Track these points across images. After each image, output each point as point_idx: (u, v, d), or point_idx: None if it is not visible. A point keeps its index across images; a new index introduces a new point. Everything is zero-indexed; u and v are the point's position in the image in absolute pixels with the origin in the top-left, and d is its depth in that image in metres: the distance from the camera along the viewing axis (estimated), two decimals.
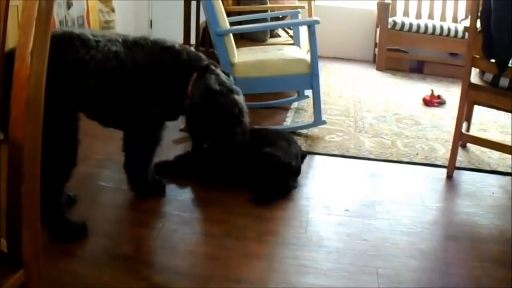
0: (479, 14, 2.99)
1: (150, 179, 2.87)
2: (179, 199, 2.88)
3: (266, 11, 5.02)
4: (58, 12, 4.34)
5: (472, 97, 3.22)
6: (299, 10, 4.79)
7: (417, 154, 3.67)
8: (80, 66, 2.37)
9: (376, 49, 6.53)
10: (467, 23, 3.15)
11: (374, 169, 3.43)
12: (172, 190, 2.97)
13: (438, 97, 5.00)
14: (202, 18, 5.30)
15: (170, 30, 5.16)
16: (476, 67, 3.16)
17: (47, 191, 2.31)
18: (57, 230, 2.41)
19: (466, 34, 3.21)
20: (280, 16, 5.28)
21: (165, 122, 2.76)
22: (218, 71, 2.77)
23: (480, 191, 3.18)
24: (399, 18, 6.26)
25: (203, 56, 2.83)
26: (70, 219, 2.47)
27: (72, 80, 2.35)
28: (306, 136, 3.90)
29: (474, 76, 3.23)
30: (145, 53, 2.59)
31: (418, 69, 6.41)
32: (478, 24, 3.02)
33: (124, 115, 2.64)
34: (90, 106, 2.56)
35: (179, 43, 2.77)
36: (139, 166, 2.81)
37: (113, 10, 5.25)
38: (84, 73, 2.39)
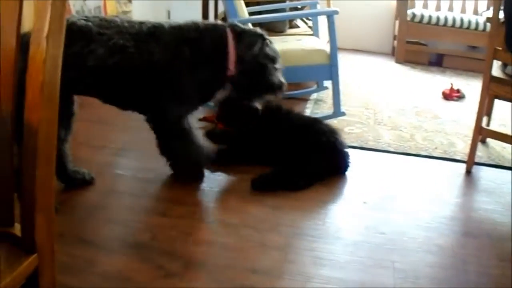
0: (501, 4, 2.94)
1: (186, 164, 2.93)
2: (196, 187, 2.86)
3: (284, 1, 4.99)
4: (75, 2, 4.34)
5: (493, 91, 3.17)
6: (318, 0, 4.76)
7: (435, 148, 3.63)
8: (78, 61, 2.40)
9: (395, 42, 6.47)
10: (489, 13, 3.10)
11: (392, 162, 3.41)
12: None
13: (458, 91, 4.94)
14: (221, 8, 5.29)
15: None
16: (498, 59, 3.10)
17: None
18: None
19: (487, 26, 3.18)
20: (299, 7, 5.25)
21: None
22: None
23: (500, 188, 3.13)
24: (418, 10, 6.19)
25: (216, 22, 2.90)
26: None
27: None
28: None
29: (496, 69, 3.17)
30: (162, 46, 2.58)
31: (437, 62, 6.33)
32: (501, 15, 2.97)
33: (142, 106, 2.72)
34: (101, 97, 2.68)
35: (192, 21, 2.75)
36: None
37: (130, 0, 5.24)
38: (82, 68, 2.42)
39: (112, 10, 5.00)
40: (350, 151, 3.30)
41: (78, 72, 2.41)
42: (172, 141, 2.77)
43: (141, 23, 2.61)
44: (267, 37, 2.87)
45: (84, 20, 2.46)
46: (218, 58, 2.72)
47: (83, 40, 2.40)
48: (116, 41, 2.46)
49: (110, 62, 2.45)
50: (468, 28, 5.95)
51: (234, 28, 2.79)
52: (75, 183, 2.75)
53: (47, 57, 1.06)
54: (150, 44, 2.54)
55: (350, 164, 3.17)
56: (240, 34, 2.77)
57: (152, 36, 2.56)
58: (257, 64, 2.80)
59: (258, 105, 3.10)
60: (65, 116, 2.58)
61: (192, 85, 2.67)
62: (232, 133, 3.26)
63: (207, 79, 2.72)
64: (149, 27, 2.59)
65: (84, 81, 2.47)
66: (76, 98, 2.66)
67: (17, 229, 1.23)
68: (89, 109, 3.85)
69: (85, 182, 2.79)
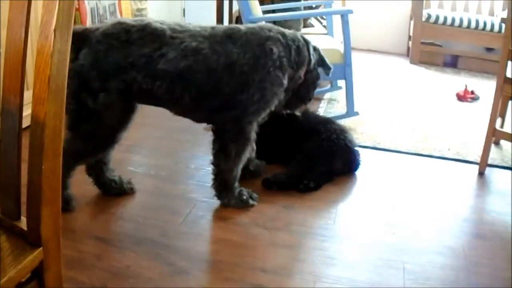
0: None
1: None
2: (207, 185, 2.86)
3: (299, 0, 4.98)
4: (89, 1, 4.36)
5: (507, 92, 3.14)
6: (333, 0, 4.75)
7: (448, 149, 3.60)
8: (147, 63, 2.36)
9: (410, 42, 6.45)
10: (504, 14, 3.07)
11: (405, 163, 3.39)
12: (201, 176, 2.96)
13: (472, 92, 4.92)
14: (235, 7, 5.29)
15: (203, 19, 5.14)
16: None
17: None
18: None
19: (503, 27, 3.13)
20: (314, 6, 5.24)
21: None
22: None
23: None
24: (433, 10, 6.16)
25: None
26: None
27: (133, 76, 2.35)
28: None
29: (511, 71, 3.14)
30: (240, 46, 2.48)
31: (452, 63, 6.30)
32: None
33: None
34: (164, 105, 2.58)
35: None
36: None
37: None
38: (150, 71, 2.37)
39: (126, 7, 5.01)
40: (363, 151, 3.30)
41: (144, 74, 2.35)
42: (230, 145, 2.58)
43: (214, 27, 2.54)
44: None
45: (160, 23, 2.43)
46: (300, 62, 2.66)
47: (156, 43, 2.36)
48: (188, 43, 2.39)
49: (181, 65, 2.38)
50: (483, 29, 5.91)
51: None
52: (110, 192, 2.72)
53: (55, 50, 1.06)
54: (227, 45, 2.46)
55: (360, 163, 3.16)
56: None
57: (229, 37, 2.48)
58: (316, 74, 2.84)
59: (298, 112, 3.15)
60: (124, 122, 2.52)
61: (276, 87, 2.55)
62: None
63: (288, 83, 2.63)
64: (225, 29, 2.52)
65: (153, 85, 2.38)
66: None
67: (23, 222, 1.22)
68: None
69: (122, 192, 2.74)
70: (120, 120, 2.42)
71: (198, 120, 2.72)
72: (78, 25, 2.42)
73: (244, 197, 2.68)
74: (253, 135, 2.63)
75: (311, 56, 2.71)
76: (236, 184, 2.69)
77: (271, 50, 2.50)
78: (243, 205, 2.67)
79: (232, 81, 2.46)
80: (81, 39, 2.34)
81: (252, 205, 2.68)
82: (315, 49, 2.78)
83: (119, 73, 2.31)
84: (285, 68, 2.56)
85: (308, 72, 2.74)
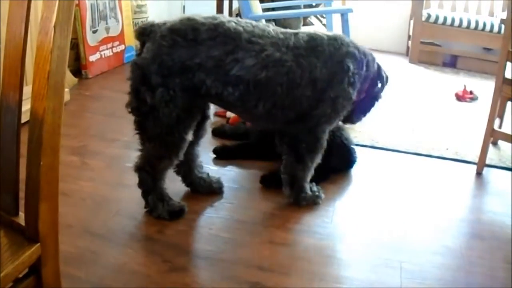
0: None
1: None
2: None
3: None
4: None
5: (506, 93, 3.14)
6: None
7: (447, 149, 3.60)
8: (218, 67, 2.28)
9: (409, 42, 6.45)
10: (503, 15, 3.07)
11: (403, 162, 3.39)
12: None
13: (471, 92, 4.92)
14: (235, 4, 5.28)
15: None
16: (511, 61, 3.08)
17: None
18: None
19: (502, 28, 3.13)
20: (314, 4, 5.24)
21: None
22: None
23: (510, 191, 3.11)
24: (433, 10, 6.16)
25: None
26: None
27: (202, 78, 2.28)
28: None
29: (509, 71, 3.14)
30: (322, 61, 2.43)
31: (451, 63, 6.30)
32: None
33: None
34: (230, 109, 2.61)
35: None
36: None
37: None
38: (221, 76, 2.29)
39: (127, 4, 5.01)
40: (361, 150, 3.30)
41: (214, 78, 2.28)
42: (306, 156, 2.61)
43: (296, 34, 2.46)
44: None
45: (235, 23, 2.31)
46: (367, 77, 2.68)
47: (228, 45, 2.26)
48: (270, 53, 2.31)
49: (261, 75, 2.30)
50: (483, 29, 5.91)
51: None
52: (198, 190, 2.73)
53: (54, 46, 1.06)
54: (311, 59, 2.39)
55: (357, 160, 3.17)
56: None
57: (313, 50, 2.42)
58: (378, 90, 2.90)
59: None
60: (200, 120, 2.48)
61: (346, 102, 2.56)
62: (244, 130, 3.30)
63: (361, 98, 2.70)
64: (308, 40, 2.44)
65: (223, 90, 2.31)
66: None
67: (21, 218, 1.23)
68: (102, 103, 3.87)
69: (212, 191, 2.75)
70: (178, 119, 2.29)
71: (265, 128, 2.75)
72: (147, 21, 2.39)
73: (316, 192, 2.75)
74: (325, 142, 2.63)
75: (376, 71, 2.74)
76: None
77: (348, 67, 2.47)
78: (317, 199, 2.75)
79: (312, 96, 2.44)
80: (146, 33, 2.29)
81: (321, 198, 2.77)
82: (378, 65, 2.79)
83: (183, 71, 2.22)
84: (356, 84, 2.55)
85: (370, 87, 2.74)
